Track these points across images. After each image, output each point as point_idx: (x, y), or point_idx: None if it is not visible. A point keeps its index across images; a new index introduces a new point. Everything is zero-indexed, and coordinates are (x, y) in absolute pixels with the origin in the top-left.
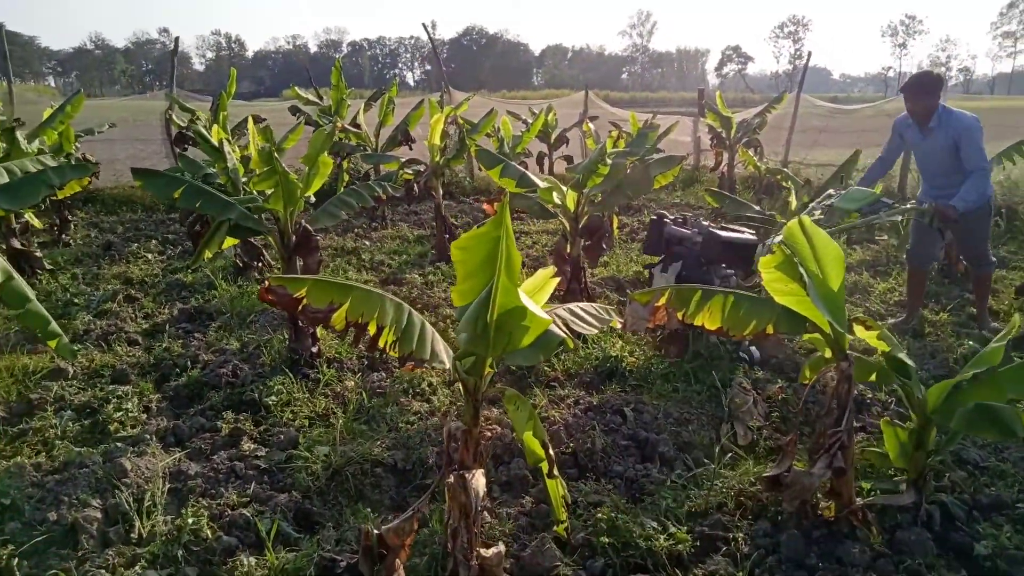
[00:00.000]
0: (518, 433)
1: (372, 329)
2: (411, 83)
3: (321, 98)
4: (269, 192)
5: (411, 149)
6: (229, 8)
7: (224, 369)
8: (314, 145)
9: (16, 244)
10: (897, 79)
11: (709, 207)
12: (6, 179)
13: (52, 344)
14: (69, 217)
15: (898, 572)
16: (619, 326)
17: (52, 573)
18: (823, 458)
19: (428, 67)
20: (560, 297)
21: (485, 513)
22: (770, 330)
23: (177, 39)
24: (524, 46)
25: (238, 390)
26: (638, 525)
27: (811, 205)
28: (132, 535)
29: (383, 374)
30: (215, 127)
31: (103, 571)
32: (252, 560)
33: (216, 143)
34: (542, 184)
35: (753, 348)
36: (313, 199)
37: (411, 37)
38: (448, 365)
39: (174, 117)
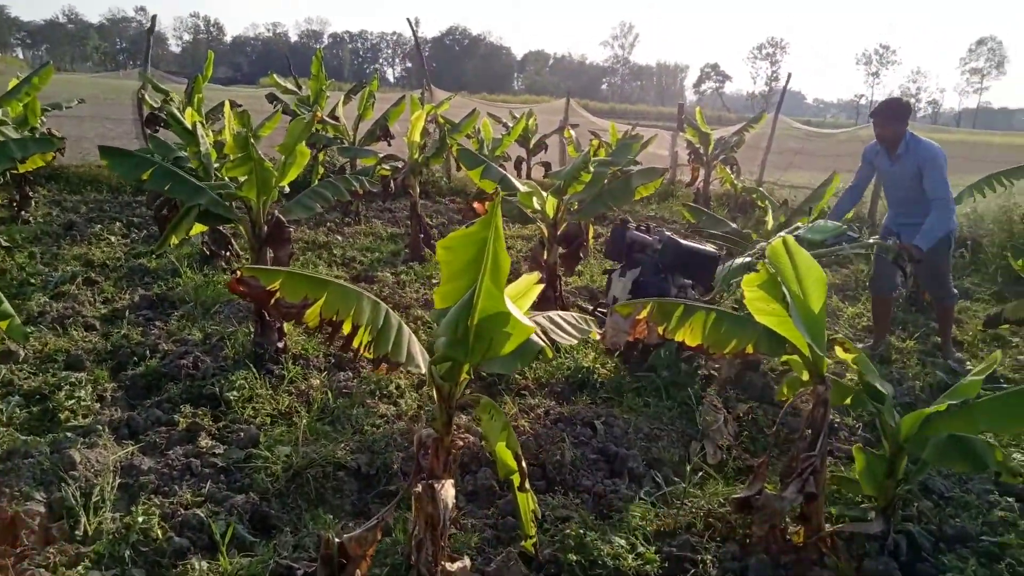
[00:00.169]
0: (491, 443)
1: (347, 328)
2: (391, 79)
3: (300, 87)
4: (243, 179)
5: (389, 145)
6: None
7: (184, 360)
8: (292, 134)
9: None
10: (869, 107)
11: (683, 221)
12: None
13: (3, 325)
14: (30, 193)
15: None
16: (598, 338)
17: None
18: (795, 482)
19: (409, 64)
20: (534, 304)
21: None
22: (750, 349)
23: (154, 17)
24: (506, 50)
25: (198, 383)
26: (606, 543)
27: (781, 233)
28: (77, 532)
29: (350, 374)
30: (189, 110)
31: (43, 570)
32: (204, 564)
33: (189, 126)
34: (523, 188)
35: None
36: (288, 189)
37: (393, 33)
38: (424, 369)
39: (147, 97)
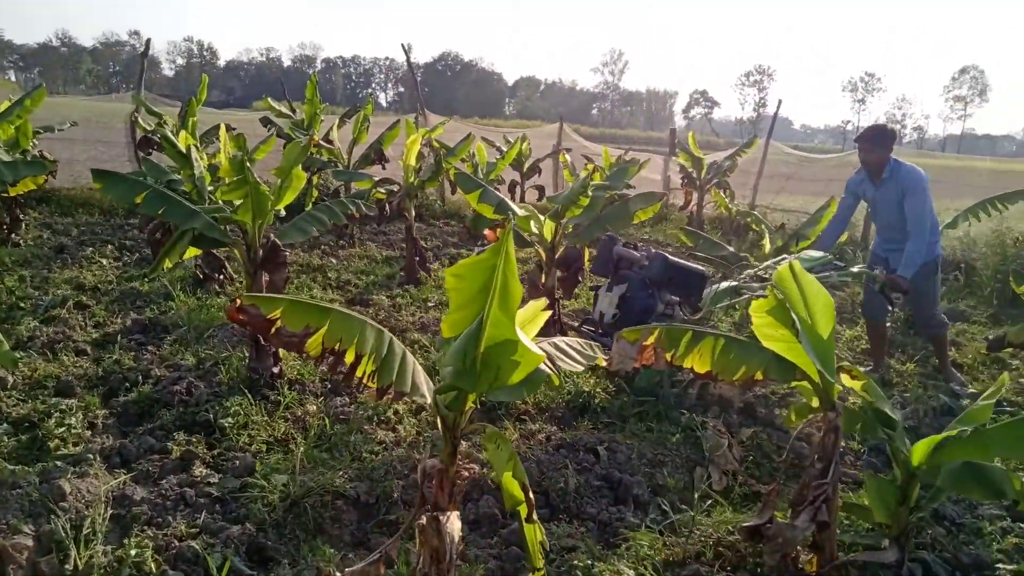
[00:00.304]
0: (497, 473)
1: (350, 357)
2: (383, 104)
3: (294, 111)
4: (238, 203)
5: (384, 168)
6: (203, 15)
7: (178, 386)
8: (288, 157)
9: None
10: (855, 132)
11: (678, 244)
12: None
13: None
14: (21, 216)
15: None
16: (604, 364)
17: None
18: (807, 510)
19: (401, 89)
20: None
21: None
22: (759, 376)
23: (148, 40)
24: (498, 75)
25: (192, 409)
26: (614, 573)
27: (765, 264)
28: (67, 566)
29: (347, 399)
30: (183, 133)
31: None
32: None
33: (183, 149)
34: (520, 212)
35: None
36: (284, 213)
37: (386, 58)
38: (429, 399)
39: (140, 120)
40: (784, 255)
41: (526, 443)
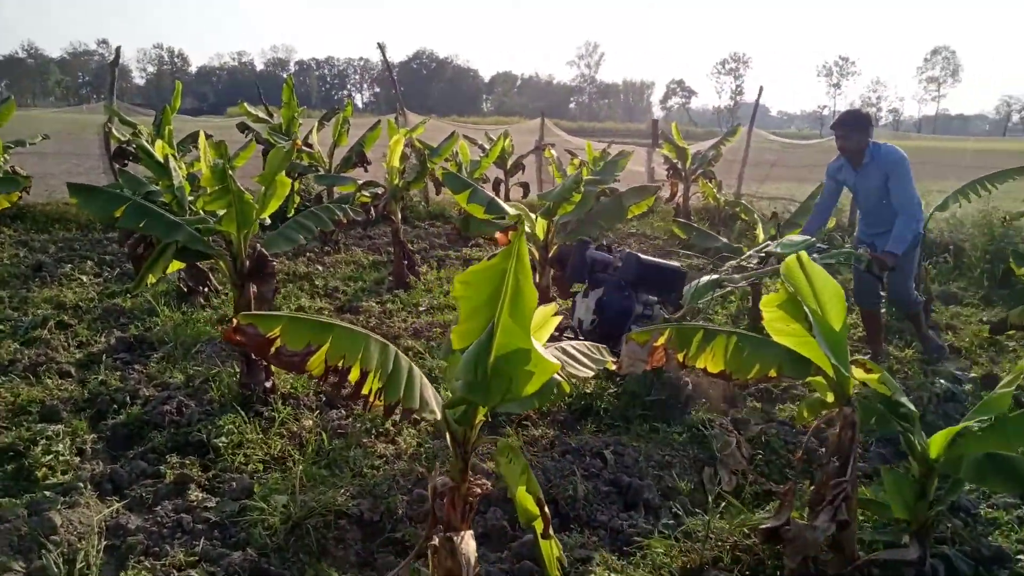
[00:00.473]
0: (511, 488)
1: (355, 375)
2: (360, 105)
3: (271, 116)
4: (221, 213)
5: (366, 171)
6: (172, 22)
7: (168, 406)
8: (271, 164)
9: None
10: (832, 116)
11: (666, 237)
12: None
13: None
14: None
15: None
16: (614, 367)
17: None
18: (826, 510)
19: (377, 89)
20: None
21: None
22: (773, 373)
23: (119, 48)
24: (474, 72)
25: (183, 430)
26: None
27: (748, 252)
28: None
29: (343, 412)
30: (159, 142)
31: None
32: None
33: (161, 159)
34: (511, 210)
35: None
36: (268, 221)
37: (360, 58)
38: (439, 415)
39: (114, 131)
40: (766, 243)
41: (530, 450)
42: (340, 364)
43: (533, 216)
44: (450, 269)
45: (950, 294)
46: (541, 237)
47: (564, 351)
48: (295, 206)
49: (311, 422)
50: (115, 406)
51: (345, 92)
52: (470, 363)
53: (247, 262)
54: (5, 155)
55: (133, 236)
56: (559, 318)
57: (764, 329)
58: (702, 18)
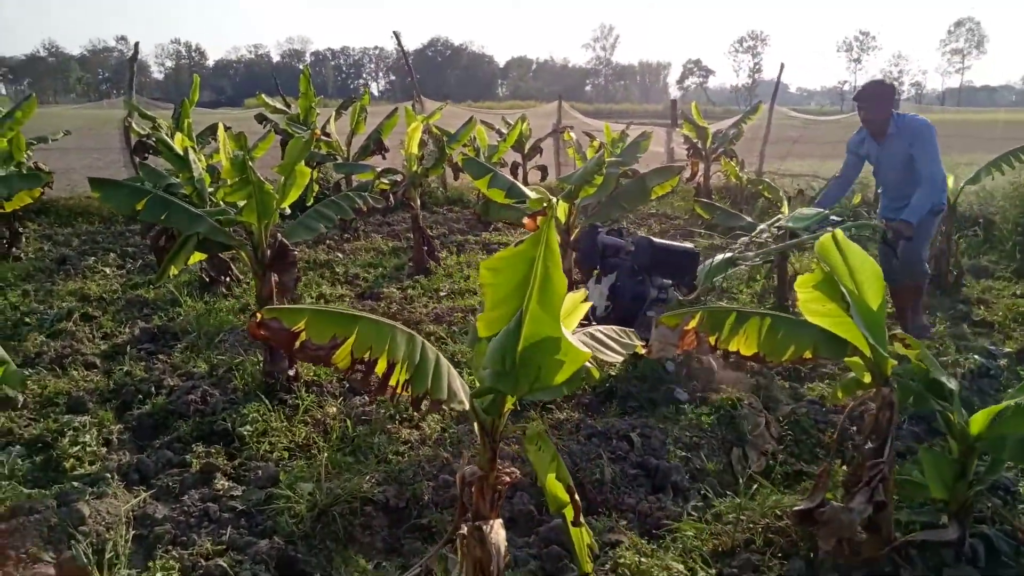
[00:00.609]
0: (540, 476)
1: (381, 367)
2: (376, 93)
3: (289, 106)
4: (242, 204)
5: (384, 158)
6: (189, 17)
7: (192, 395)
8: (291, 154)
9: None
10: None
11: (684, 217)
12: None
13: None
14: (20, 230)
15: None
16: (644, 352)
17: None
18: (862, 491)
19: (393, 77)
20: None
21: None
22: (808, 355)
23: (137, 44)
24: (489, 57)
25: (208, 419)
26: (663, 569)
27: (760, 226)
28: None
29: (366, 398)
30: (179, 135)
31: None
32: None
33: (180, 151)
34: (532, 194)
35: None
36: (288, 211)
37: (375, 47)
38: (467, 405)
39: (133, 125)
40: (778, 218)
41: (556, 433)
42: (366, 356)
43: (554, 199)
44: (470, 254)
45: (981, 268)
46: (563, 220)
47: (592, 336)
48: (314, 195)
49: (335, 409)
50: (140, 396)
51: (361, 81)
52: (497, 352)
53: (268, 252)
54: (28, 152)
55: (155, 228)
56: (588, 304)
57: (791, 307)
58: None
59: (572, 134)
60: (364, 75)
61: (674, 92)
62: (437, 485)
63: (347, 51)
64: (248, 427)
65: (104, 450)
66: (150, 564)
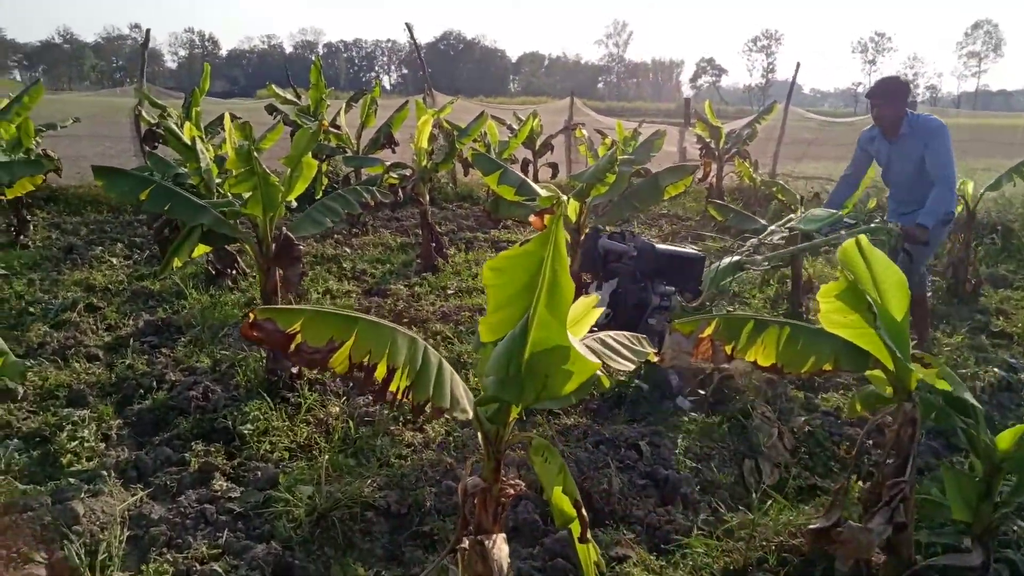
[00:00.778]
0: (546, 489)
1: (381, 372)
2: (387, 87)
3: (299, 97)
4: (247, 195)
5: (394, 152)
6: (203, 5)
7: (194, 391)
8: (297, 145)
9: None
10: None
11: (696, 218)
12: None
13: None
14: (28, 217)
15: None
16: (656, 360)
17: None
18: (882, 511)
19: (405, 71)
20: None
21: None
22: (829, 367)
23: (148, 31)
24: (501, 52)
25: (209, 416)
26: None
27: (771, 227)
28: None
29: (370, 398)
30: (187, 124)
31: None
32: None
33: (188, 141)
34: (543, 192)
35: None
36: (295, 204)
37: (388, 40)
38: (471, 414)
39: (143, 113)
40: (788, 219)
41: (563, 440)
42: (365, 361)
43: (565, 198)
44: (479, 251)
45: (999, 277)
46: (573, 220)
47: (603, 342)
48: (323, 188)
49: (337, 409)
50: (141, 391)
51: (373, 74)
52: (502, 359)
53: (273, 245)
54: (37, 138)
55: (160, 219)
56: (600, 310)
57: (805, 313)
58: None
59: (584, 131)
60: (376, 68)
61: (687, 91)
62: (440, 491)
63: (360, 44)
64: (249, 425)
65: (103, 446)
66: (143, 567)
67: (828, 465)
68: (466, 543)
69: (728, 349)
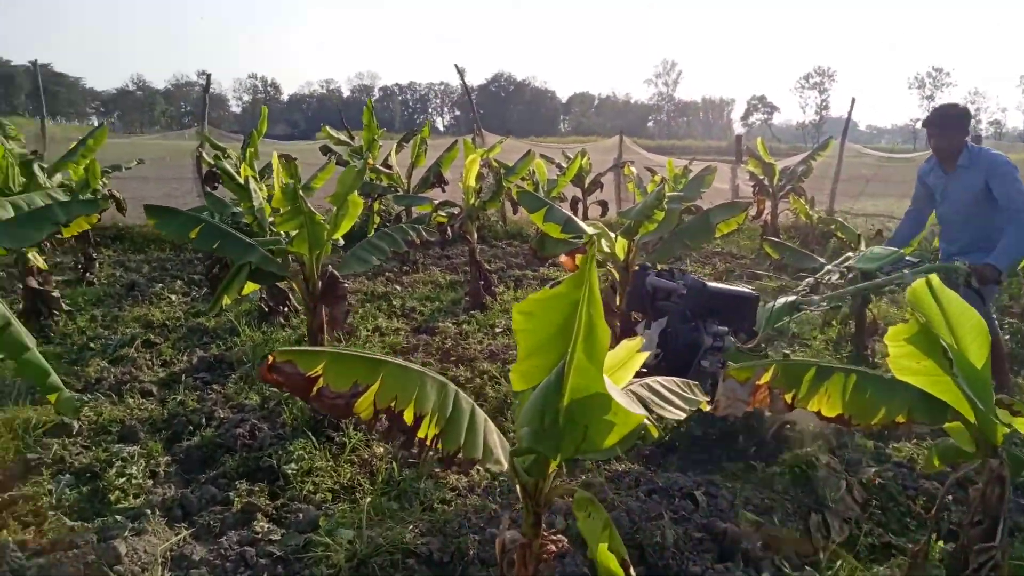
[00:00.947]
0: (591, 547)
1: (408, 418)
2: (440, 128)
3: (352, 138)
4: (294, 233)
5: (443, 191)
6: (265, 52)
7: (240, 428)
8: (343, 183)
9: (33, 283)
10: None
11: (750, 257)
12: (11, 214)
13: (52, 399)
14: (95, 255)
15: None
16: (709, 408)
17: None
18: None
19: (457, 112)
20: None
21: None
22: (902, 419)
23: (209, 76)
24: (551, 93)
25: (254, 454)
26: None
27: (828, 267)
28: None
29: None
30: (243, 165)
31: None
32: None
33: (242, 181)
34: (589, 230)
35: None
36: (342, 242)
37: (441, 83)
38: (505, 466)
39: (204, 155)
40: (847, 257)
41: (613, 488)
42: (392, 406)
43: (613, 235)
44: (527, 289)
45: None
46: (622, 258)
47: (651, 388)
48: (375, 226)
49: (382, 449)
50: (190, 427)
51: (426, 115)
52: (537, 409)
53: (319, 283)
54: (104, 179)
55: (212, 258)
56: (645, 354)
57: (871, 357)
58: (783, 32)
59: (633, 169)
60: (430, 110)
61: (738, 128)
62: (483, 539)
63: (414, 87)
64: (293, 465)
65: (150, 483)
66: None
67: (903, 522)
68: None
69: (788, 398)
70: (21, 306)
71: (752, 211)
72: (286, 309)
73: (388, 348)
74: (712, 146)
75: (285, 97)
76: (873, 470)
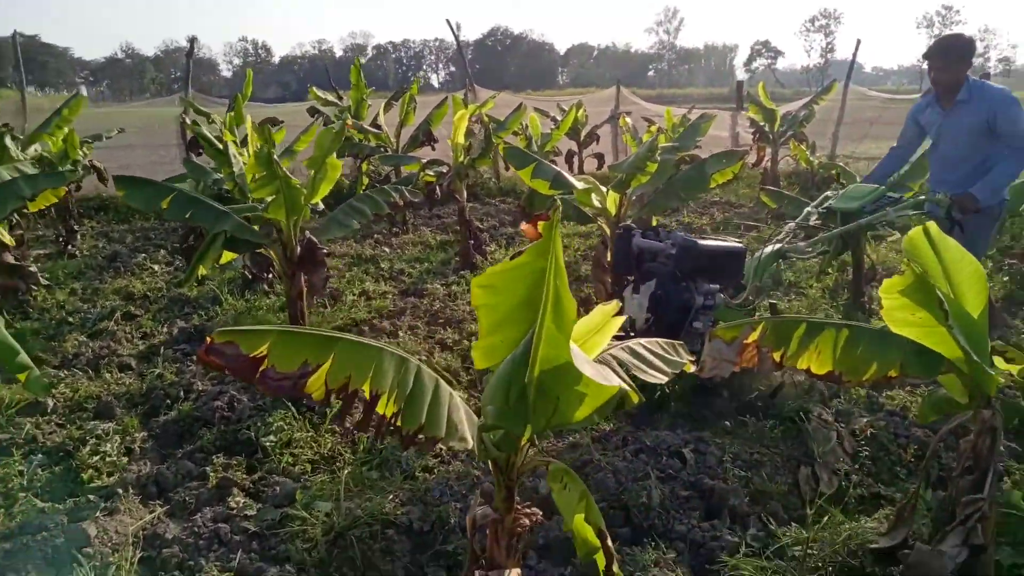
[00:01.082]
0: (566, 519)
1: (365, 396)
2: (435, 84)
3: (341, 99)
4: (270, 199)
5: (434, 149)
6: (256, 15)
7: (219, 401)
8: (320, 146)
9: (9, 259)
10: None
11: (749, 205)
12: None
13: (22, 378)
14: (76, 227)
15: None
16: (693, 370)
17: None
18: (956, 531)
19: (453, 68)
20: None
21: None
22: (894, 373)
23: (193, 40)
24: (549, 45)
25: (233, 427)
26: None
27: (807, 209)
28: None
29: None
30: (224, 130)
31: None
32: None
33: (220, 147)
34: (579, 185)
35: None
36: (321, 206)
37: (435, 39)
38: (470, 444)
39: (187, 121)
40: (826, 196)
41: (599, 448)
42: (345, 385)
43: (604, 189)
44: (519, 247)
45: None
46: (613, 212)
47: (632, 351)
48: (363, 188)
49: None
50: (168, 401)
51: (421, 73)
52: (501, 385)
53: (297, 250)
54: (84, 149)
55: (186, 227)
56: (620, 319)
57: (868, 304)
58: None
59: (629, 120)
60: (424, 67)
61: (741, 74)
62: (465, 507)
63: (408, 44)
64: (272, 437)
65: (125, 460)
66: None
67: (893, 471)
68: None
69: (777, 356)
70: None
71: (751, 159)
72: (270, 276)
73: (375, 312)
74: (714, 93)
75: (276, 59)
76: (865, 419)
